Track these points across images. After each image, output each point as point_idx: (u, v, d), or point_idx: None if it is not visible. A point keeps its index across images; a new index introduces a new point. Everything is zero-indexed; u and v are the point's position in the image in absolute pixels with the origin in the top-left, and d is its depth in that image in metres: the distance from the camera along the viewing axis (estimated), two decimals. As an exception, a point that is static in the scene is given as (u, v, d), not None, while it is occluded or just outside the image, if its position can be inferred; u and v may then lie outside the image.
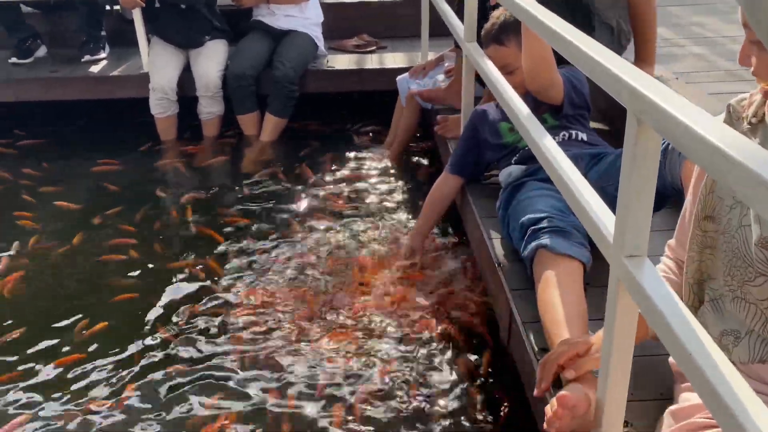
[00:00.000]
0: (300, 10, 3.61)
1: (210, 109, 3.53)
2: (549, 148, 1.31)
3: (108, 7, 3.82)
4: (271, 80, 3.42)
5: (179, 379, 1.85)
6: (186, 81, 3.49)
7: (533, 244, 1.55)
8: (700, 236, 1.04)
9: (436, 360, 1.88)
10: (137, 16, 3.43)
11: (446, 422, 1.69)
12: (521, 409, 1.60)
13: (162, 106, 3.50)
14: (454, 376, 1.82)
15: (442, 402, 1.74)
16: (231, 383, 1.84)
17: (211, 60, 3.48)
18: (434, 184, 2.29)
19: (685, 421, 1.06)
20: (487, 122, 2.13)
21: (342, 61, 3.74)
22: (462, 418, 1.70)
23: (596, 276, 1.51)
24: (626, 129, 0.89)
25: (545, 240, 1.53)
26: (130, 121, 3.64)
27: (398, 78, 3.18)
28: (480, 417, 1.70)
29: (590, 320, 1.41)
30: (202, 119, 3.55)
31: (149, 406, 1.77)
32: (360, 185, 3.00)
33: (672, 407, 1.15)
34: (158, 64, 3.48)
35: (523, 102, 1.68)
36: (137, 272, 2.40)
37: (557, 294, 1.43)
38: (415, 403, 1.74)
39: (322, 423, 1.70)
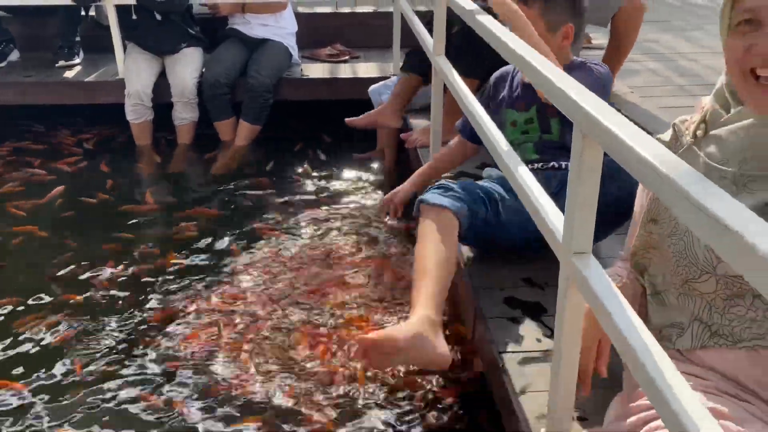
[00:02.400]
0: (275, 20, 3.70)
1: (184, 115, 3.59)
2: (507, 154, 1.43)
3: (83, 13, 3.86)
4: (246, 88, 3.50)
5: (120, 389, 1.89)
6: (161, 87, 3.55)
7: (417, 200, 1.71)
8: (645, 237, 1.15)
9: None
10: (113, 22, 3.48)
11: (405, 418, 1.76)
12: (485, 405, 1.71)
13: (137, 112, 3.55)
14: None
15: (399, 396, 1.81)
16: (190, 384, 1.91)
17: (187, 67, 3.55)
18: (447, 145, 2.30)
19: (631, 404, 1.18)
20: (497, 98, 2.04)
21: (316, 70, 3.84)
22: (420, 411, 1.77)
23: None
24: (573, 141, 1.01)
25: (424, 194, 1.69)
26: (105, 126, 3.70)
27: (370, 89, 3.29)
28: (442, 410, 1.79)
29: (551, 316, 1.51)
30: (176, 125, 3.61)
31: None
32: (334, 190, 3.10)
33: (620, 394, 1.26)
34: (134, 71, 3.53)
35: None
36: (104, 274, 2.43)
37: (426, 244, 1.59)
38: (372, 397, 1.82)
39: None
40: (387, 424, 1.73)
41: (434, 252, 1.60)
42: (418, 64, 2.93)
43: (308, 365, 1.93)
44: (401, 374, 1.86)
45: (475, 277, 1.83)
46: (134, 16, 3.50)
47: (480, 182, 1.88)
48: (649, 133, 1.14)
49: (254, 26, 3.68)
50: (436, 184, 1.79)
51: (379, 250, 2.54)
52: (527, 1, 1.85)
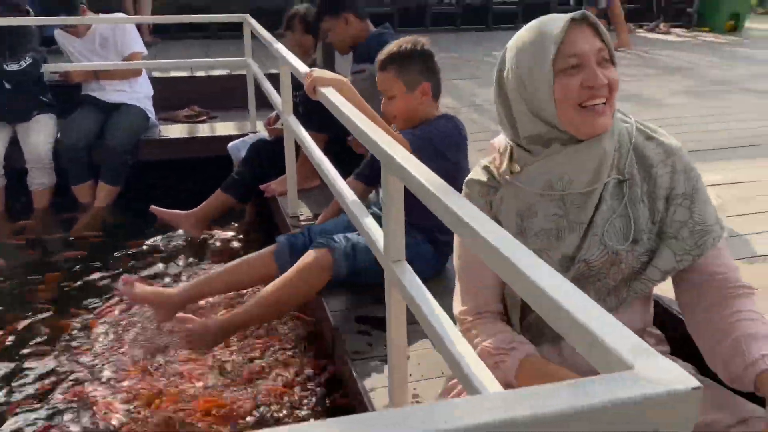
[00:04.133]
0: (130, 85, 3.83)
1: (40, 180, 3.60)
2: (342, 188, 1.77)
3: None
4: (104, 151, 3.59)
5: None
6: (14, 153, 3.54)
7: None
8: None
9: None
10: (-43, 92, 3.45)
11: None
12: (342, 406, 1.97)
13: (-13, 179, 3.51)
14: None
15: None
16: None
17: (41, 133, 3.58)
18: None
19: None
20: None
21: (174, 131, 4.01)
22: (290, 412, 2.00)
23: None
24: (381, 176, 1.33)
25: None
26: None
27: (229, 146, 3.53)
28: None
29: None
30: (32, 190, 3.61)
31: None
32: (196, 244, 3.24)
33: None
34: (-18, 139, 3.50)
35: (329, 162, 2.12)
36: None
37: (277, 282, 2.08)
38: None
39: None
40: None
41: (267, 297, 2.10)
42: (241, 191, 3.19)
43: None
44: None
45: (332, 302, 2.11)
46: (-21, 84, 3.50)
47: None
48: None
49: (109, 92, 3.79)
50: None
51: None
52: (384, 67, 2.08)
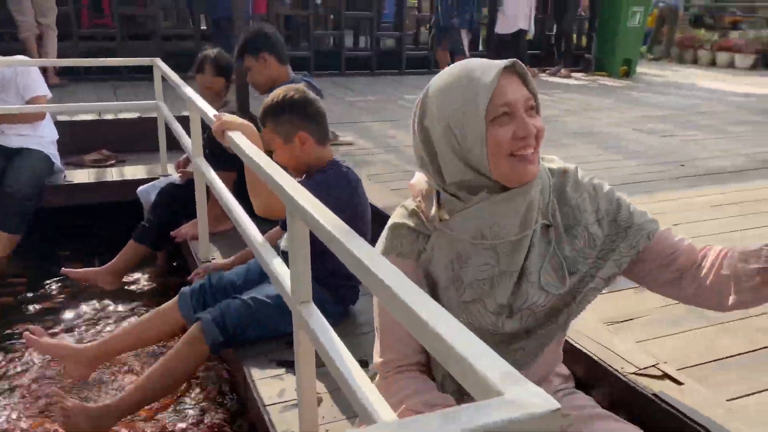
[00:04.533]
0: (33, 129, 3.68)
1: (-70, 230, 3.37)
2: (249, 229, 1.77)
3: None
4: (3, 197, 3.41)
5: None
6: None
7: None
8: None
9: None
10: None
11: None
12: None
13: None
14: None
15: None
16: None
17: (-68, 180, 3.37)
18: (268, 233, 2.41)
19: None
20: None
21: (81, 176, 3.88)
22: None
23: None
24: (287, 218, 1.35)
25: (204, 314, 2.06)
26: None
27: (138, 190, 3.44)
28: None
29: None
30: None
31: None
32: (107, 292, 3.12)
33: None
34: None
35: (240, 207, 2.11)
36: None
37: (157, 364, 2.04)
38: None
39: None
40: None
41: (159, 373, 2.03)
42: (153, 239, 3.13)
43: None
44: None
45: (245, 349, 2.08)
46: None
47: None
48: (381, 211, 1.38)
49: (10, 136, 3.63)
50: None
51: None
52: (263, 122, 2.10)
